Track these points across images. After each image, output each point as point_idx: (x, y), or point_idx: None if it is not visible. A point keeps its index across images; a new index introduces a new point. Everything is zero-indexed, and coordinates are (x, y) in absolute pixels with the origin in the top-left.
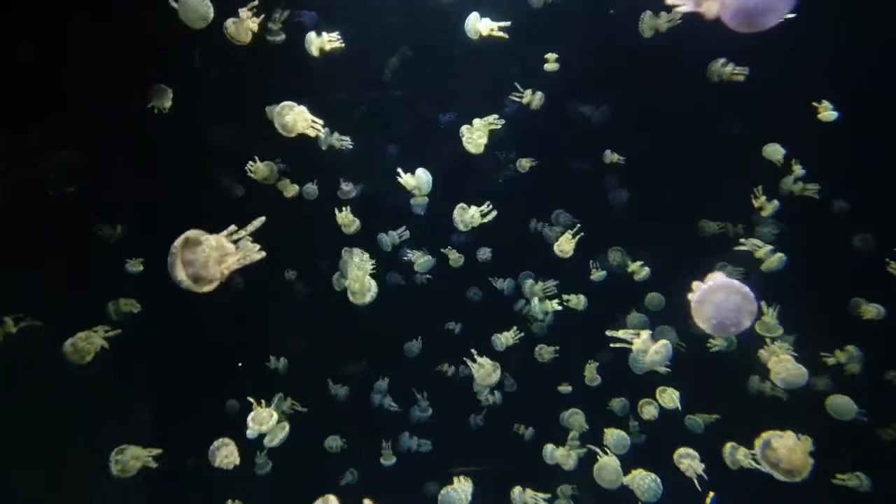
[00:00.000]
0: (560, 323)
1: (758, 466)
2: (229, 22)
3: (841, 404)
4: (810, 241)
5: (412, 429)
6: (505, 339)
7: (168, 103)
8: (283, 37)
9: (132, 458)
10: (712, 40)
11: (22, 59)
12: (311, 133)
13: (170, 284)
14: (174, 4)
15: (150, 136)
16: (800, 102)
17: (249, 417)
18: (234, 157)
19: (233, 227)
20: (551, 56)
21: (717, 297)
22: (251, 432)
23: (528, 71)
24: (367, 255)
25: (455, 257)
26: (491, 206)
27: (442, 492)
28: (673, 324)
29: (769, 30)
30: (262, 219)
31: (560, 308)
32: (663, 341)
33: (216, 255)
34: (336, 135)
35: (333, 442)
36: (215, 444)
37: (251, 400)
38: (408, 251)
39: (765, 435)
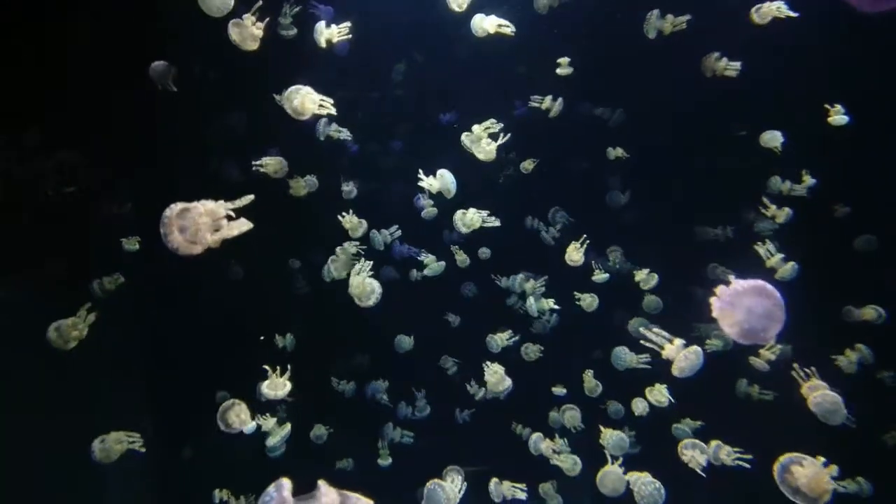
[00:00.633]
0: (558, 323)
1: (742, 465)
2: (232, 26)
3: (829, 408)
4: (810, 243)
5: (403, 424)
6: (500, 339)
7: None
8: (294, 31)
9: (115, 442)
10: (713, 41)
11: (22, 59)
12: (323, 111)
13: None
14: None
15: (155, 127)
16: (799, 104)
17: (264, 385)
18: (242, 149)
19: (223, 202)
20: (564, 60)
21: (748, 300)
22: (268, 395)
23: (536, 74)
24: (355, 250)
25: (462, 258)
26: (492, 214)
27: (428, 486)
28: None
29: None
30: (251, 196)
31: (557, 307)
32: (695, 348)
33: (208, 220)
34: (334, 125)
35: (319, 431)
36: (225, 404)
37: (267, 367)
38: (420, 197)
39: (783, 458)
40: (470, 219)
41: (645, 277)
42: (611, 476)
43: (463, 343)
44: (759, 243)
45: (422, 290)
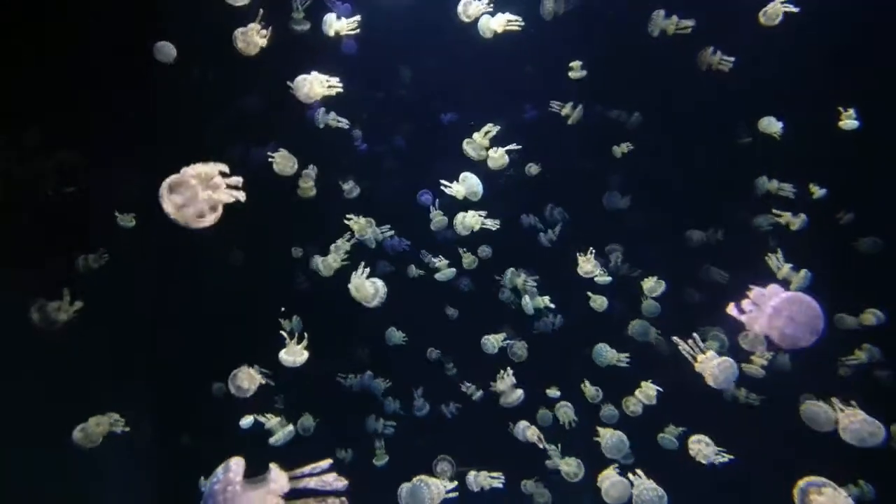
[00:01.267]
0: (560, 323)
1: (722, 461)
2: (237, 34)
3: (816, 412)
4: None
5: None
6: (495, 340)
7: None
8: (307, 26)
9: (95, 425)
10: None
11: (22, 59)
12: (332, 92)
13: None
14: None
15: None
16: (806, 107)
17: (283, 352)
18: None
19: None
20: (576, 63)
21: (791, 309)
22: (285, 362)
23: (544, 77)
24: (348, 247)
25: (469, 260)
26: (488, 215)
27: (413, 483)
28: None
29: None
30: (239, 179)
31: (552, 305)
32: (728, 359)
33: (202, 183)
34: (332, 114)
35: (308, 421)
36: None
37: (284, 334)
38: (425, 193)
39: (801, 483)
40: (469, 222)
41: (653, 285)
42: (618, 487)
43: (461, 342)
44: (768, 255)
45: (420, 287)
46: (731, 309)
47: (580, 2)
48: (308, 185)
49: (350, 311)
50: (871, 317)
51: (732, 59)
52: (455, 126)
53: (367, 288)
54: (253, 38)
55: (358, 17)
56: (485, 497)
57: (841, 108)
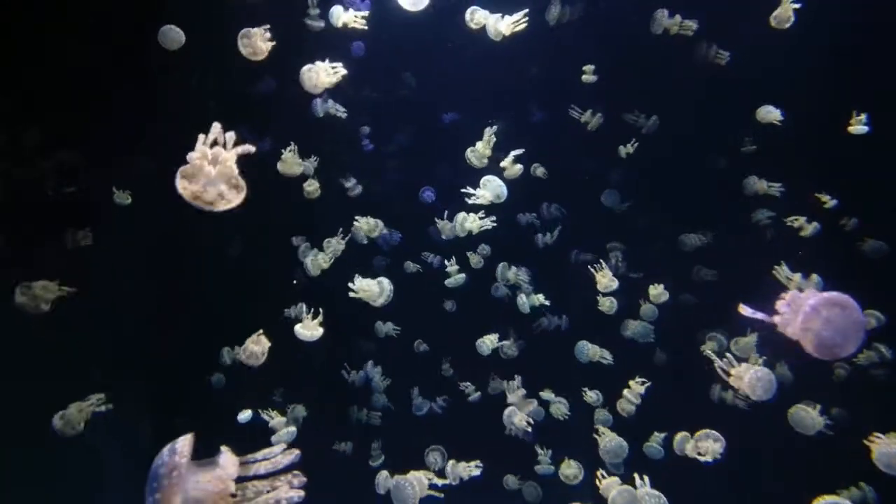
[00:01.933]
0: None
1: (704, 459)
2: (240, 40)
3: (803, 417)
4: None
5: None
6: (490, 342)
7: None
8: (322, 23)
9: (76, 411)
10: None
11: (22, 59)
12: (338, 77)
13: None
14: None
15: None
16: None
17: (299, 326)
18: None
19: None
20: (589, 68)
21: (831, 311)
22: (301, 336)
23: (547, 80)
24: (343, 245)
25: (476, 260)
26: (486, 216)
27: (397, 481)
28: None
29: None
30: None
31: (547, 303)
32: (765, 372)
33: (211, 162)
34: (331, 102)
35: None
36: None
37: (303, 310)
38: (427, 189)
39: (820, 500)
40: (469, 225)
41: (658, 293)
42: (624, 495)
43: (457, 341)
44: (775, 267)
45: (419, 283)
46: (744, 309)
47: (584, 10)
48: (314, 188)
49: (348, 307)
50: (872, 320)
51: (728, 53)
52: (463, 126)
53: (374, 287)
54: (257, 42)
55: (366, 13)
56: (476, 493)
57: (856, 113)
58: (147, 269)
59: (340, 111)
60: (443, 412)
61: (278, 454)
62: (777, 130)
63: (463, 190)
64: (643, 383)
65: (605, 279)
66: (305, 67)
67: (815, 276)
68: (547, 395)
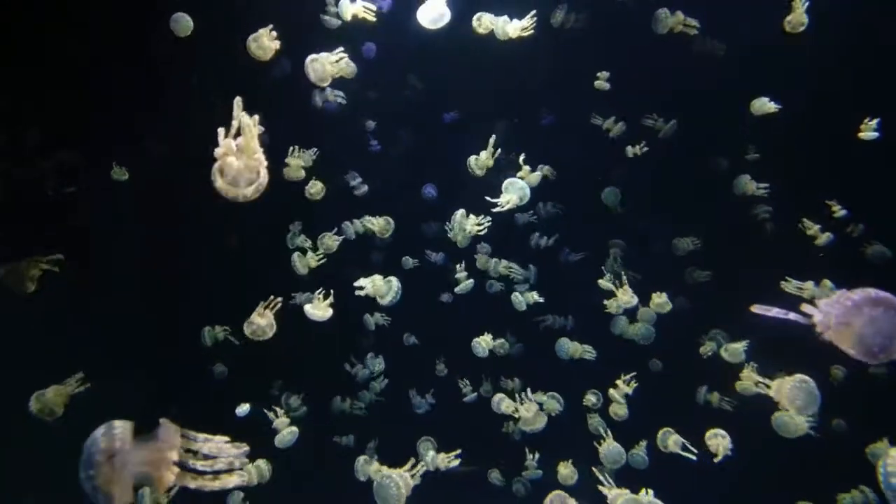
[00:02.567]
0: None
1: (688, 456)
2: (250, 41)
3: (786, 422)
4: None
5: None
6: (485, 342)
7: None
8: (339, 22)
9: (55, 395)
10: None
11: (22, 59)
12: (342, 66)
13: None
14: None
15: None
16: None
17: (309, 305)
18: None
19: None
20: (603, 74)
21: (876, 310)
22: (311, 315)
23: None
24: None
25: (483, 261)
26: (486, 219)
27: (379, 478)
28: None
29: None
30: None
31: (541, 300)
32: (801, 377)
33: (235, 151)
34: (329, 90)
35: (295, 402)
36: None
37: (321, 291)
38: (429, 186)
39: None
40: (469, 228)
41: (661, 302)
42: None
43: (454, 339)
44: (784, 280)
45: (416, 280)
46: (757, 308)
47: (588, 16)
48: (317, 189)
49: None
50: None
51: (696, 21)
52: (471, 129)
53: (382, 285)
54: (265, 42)
55: (374, 6)
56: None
57: (869, 119)
58: (145, 260)
59: (340, 98)
60: (434, 408)
61: (225, 442)
62: (785, 135)
63: (490, 200)
64: (629, 382)
65: (626, 296)
66: (310, 58)
67: (827, 282)
68: (539, 397)
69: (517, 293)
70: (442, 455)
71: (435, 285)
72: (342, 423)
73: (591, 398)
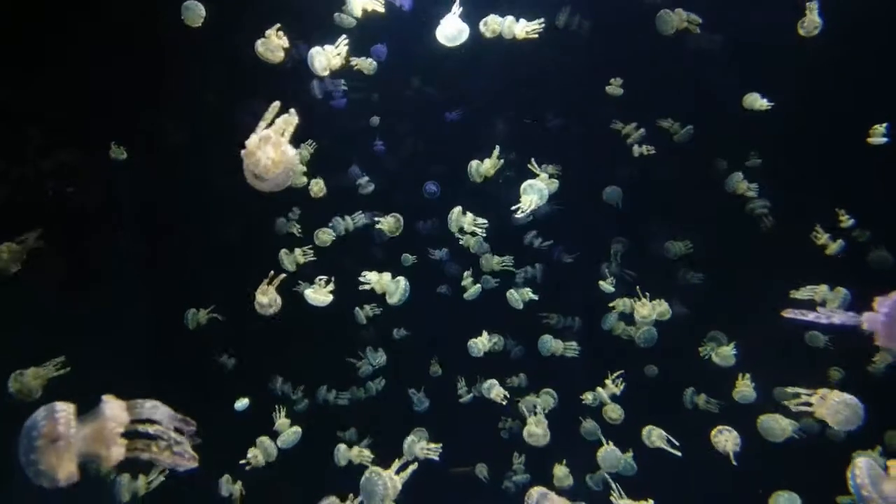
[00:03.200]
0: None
1: (673, 451)
2: (258, 44)
3: (772, 425)
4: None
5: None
6: (482, 343)
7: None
8: (354, 21)
9: (33, 377)
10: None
11: (22, 59)
12: (345, 61)
13: None
14: None
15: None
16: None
17: (309, 289)
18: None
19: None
20: (616, 80)
21: None
22: (311, 300)
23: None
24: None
25: (489, 261)
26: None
27: (366, 475)
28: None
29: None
30: (277, 103)
31: (536, 298)
32: (845, 396)
33: (264, 144)
34: (329, 81)
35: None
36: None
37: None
38: (431, 184)
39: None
40: (466, 227)
41: (663, 310)
42: None
43: (452, 339)
44: (792, 292)
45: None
46: (789, 312)
47: (592, 18)
48: (319, 188)
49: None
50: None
51: (698, 17)
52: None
53: (390, 285)
54: (273, 43)
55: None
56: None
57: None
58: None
59: (341, 87)
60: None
61: (171, 413)
62: (792, 140)
63: (513, 208)
64: (617, 382)
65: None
66: (314, 49)
67: (841, 290)
68: (532, 400)
69: (513, 290)
70: (422, 443)
71: (435, 283)
72: (335, 415)
73: (589, 397)
